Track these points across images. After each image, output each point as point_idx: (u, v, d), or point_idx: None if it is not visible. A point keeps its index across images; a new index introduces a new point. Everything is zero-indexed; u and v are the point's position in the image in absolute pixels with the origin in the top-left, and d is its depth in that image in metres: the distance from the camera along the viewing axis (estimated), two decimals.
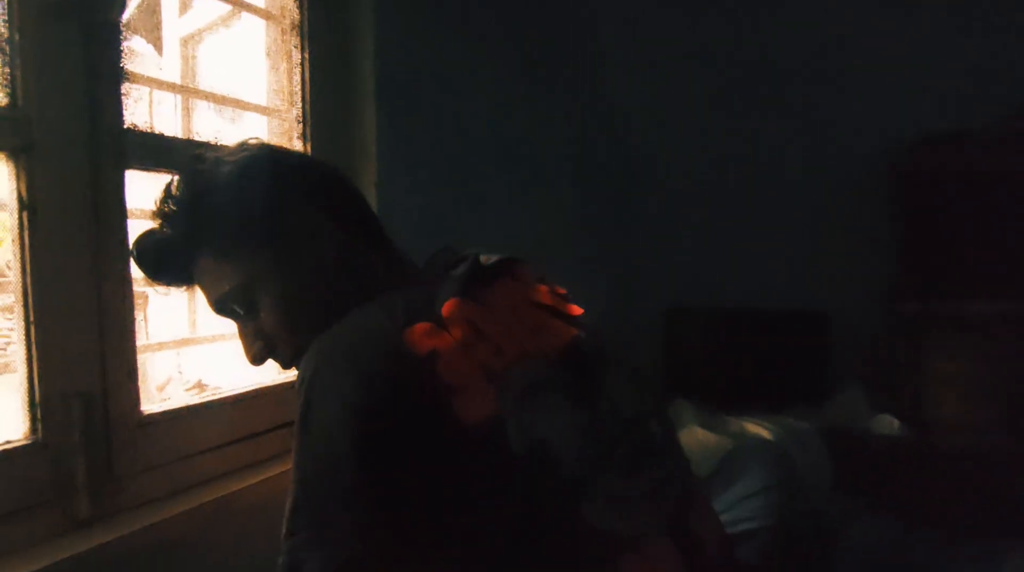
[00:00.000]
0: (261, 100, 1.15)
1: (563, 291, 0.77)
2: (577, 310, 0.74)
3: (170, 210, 0.72)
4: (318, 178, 0.77)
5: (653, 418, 0.69)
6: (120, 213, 0.84)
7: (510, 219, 1.67)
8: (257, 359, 0.74)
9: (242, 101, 1.08)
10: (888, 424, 1.93)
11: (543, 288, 0.74)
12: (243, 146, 0.76)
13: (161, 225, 0.73)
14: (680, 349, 2.28)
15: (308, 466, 0.57)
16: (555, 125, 1.99)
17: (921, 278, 2.02)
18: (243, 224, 0.70)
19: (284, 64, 1.15)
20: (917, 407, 1.95)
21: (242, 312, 0.73)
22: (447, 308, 0.63)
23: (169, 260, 0.73)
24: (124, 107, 0.85)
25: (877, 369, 2.06)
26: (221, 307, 0.74)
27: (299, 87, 1.15)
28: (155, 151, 0.90)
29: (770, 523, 1.23)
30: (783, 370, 2.13)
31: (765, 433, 1.63)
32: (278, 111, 1.15)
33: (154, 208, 0.74)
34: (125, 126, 0.85)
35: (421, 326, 0.60)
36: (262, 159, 0.74)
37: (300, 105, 1.16)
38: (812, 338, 2.16)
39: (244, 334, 0.74)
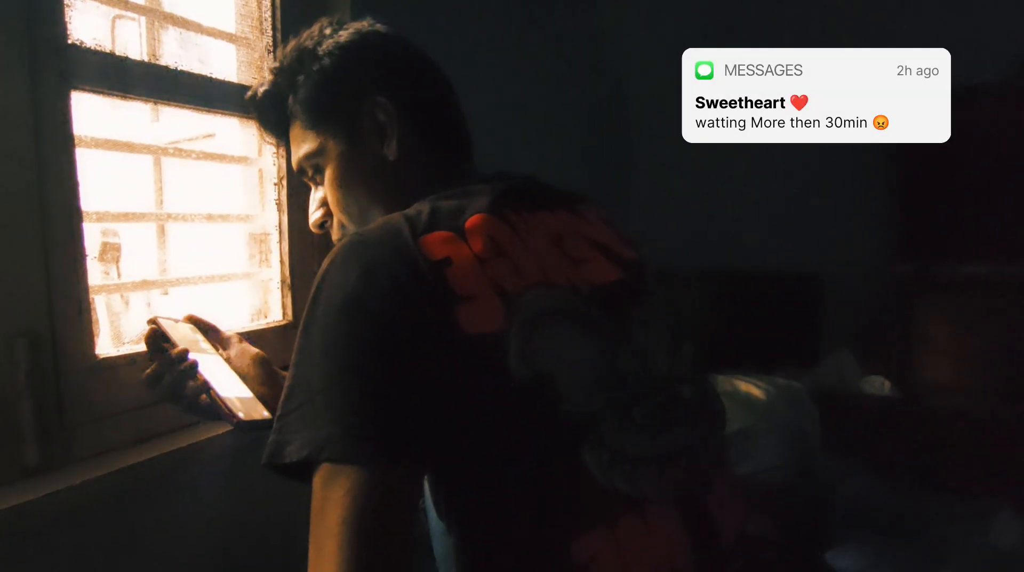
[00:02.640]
0: (229, 27, 1.06)
1: (629, 236, 0.75)
2: (632, 254, 0.71)
3: (276, 67, 0.76)
4: (411, 78, 0.75)
5: (687, 384, 0.66)
6: (66, 136, 0.77)
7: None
8: (315, 226, 0.79)
9: (206, 27, 1.00)
10: (879, 385, 1.91)
11: (603, 228, 0.72)
12: (359, 27, 0.76)
13: (272, 78, 0.77)
14: (672, 310, 2.23)
15: (304, 350, 0.56)
16: (549, 81, 1.91)
17: (915, 240, 1.98)
18: (325, 101, 0.73)
19: None
20: (907, 369, 1.93)
21: (311, 177, 0.78)
22: (471, 221, 0.61)
23: (268, 111, 0.78)
24: (68, 20, 0.77)
25: (868, 331, 2.04)
26: (298, 169, 0.78)
27: (269, 13, 1.07)
28: (107, 72, 0.82)
29: (779, 499, 1.21)
30: (774, 331, 2.10)
31: (756, 392, 1.60)
32: (246, 39, 1.06)
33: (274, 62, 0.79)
34: (70, 41, 0.77)
35: (440, 234, 0.59)
36: (362, 45, 0.74)
37: (271, 33, 1.07)
38: (804, 299, 2.13)
39: (312, 198, 0.79)
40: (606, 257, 0.68)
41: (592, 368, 0.59)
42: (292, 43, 0.76)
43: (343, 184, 0.73)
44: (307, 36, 0.76)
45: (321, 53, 0.73)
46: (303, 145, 0.75)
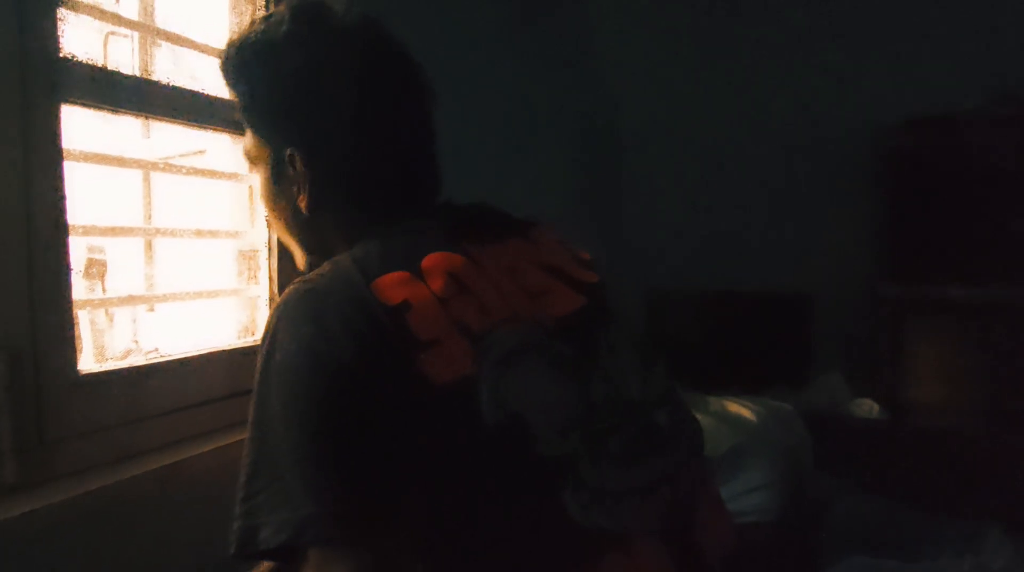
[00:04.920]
0: (222, 44, 1.07)
1: (586, 257, 0.72)
2: (592, 277, 0.68)
3: (222, 61, 0.71)
4: (328, 131, 0.66)
5: (662, 409, 0.64)
6: (54, 150, 0.76)
7: (488, 195, 1.60)
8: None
9: (199, 43, 1.00)
10: (868, 408, 1.91)
11: (559, 252, 0.69)
12: (281, 56, 0.65)
13: (220, 69, 0.73)
14: (661, 332, 2.24)
15: (263, 421, 0.52)
16: (541, 104, 1.93)
17: (902, 262, 2.01)
18: (251, 128, 0.70)
19: (247, 5, 1.07)
20: (896, 391, 1.94)
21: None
22: (428, 260, 0.57)
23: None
24: (60, 34, 0.77)
25: (857, 353, 2.05)
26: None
27: None
28: (98, 85, 0.82)
29: (771, 518, 1.20)
30: (764, 353, 2.11)
31: (747, 413, 1.60)
32: None
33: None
34: (61, 55, 0.77)
35: (394, 275, 0.55)
36: (280, 86, 0.66)
37: None
38: (793, 321, 2.14)
39: None
40: (565, 284, 0.65)
41: (565, 405, 0.56)
42: (237, 36, 0.69)
43: (266, 207, 0.72)
44: (238, 39, 0.68)
45: (242, 83, 0.68)
46: (244, 140, 0.71)
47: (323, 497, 0.48)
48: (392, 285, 0.54)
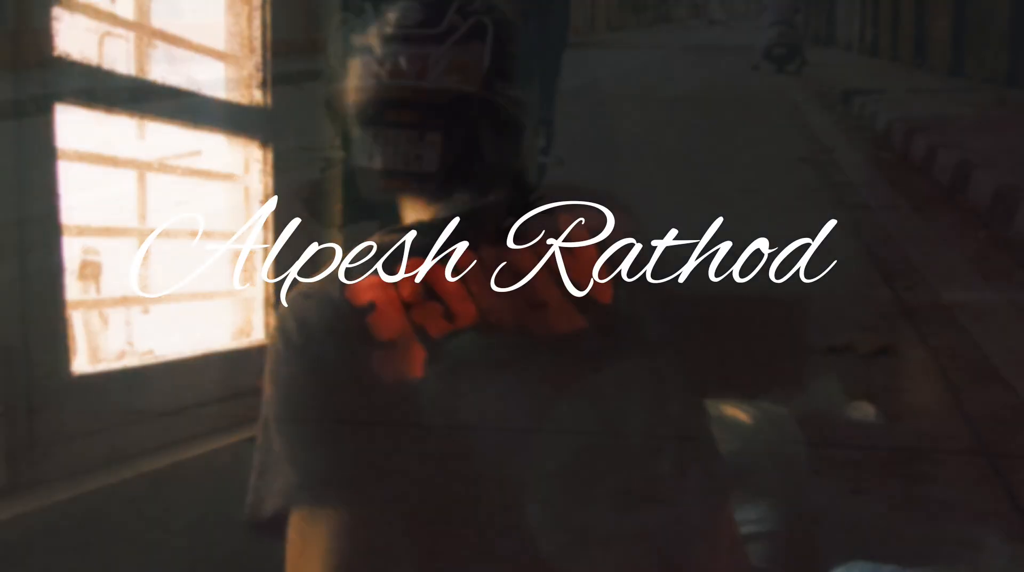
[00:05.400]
0: (218, 45, 1.06)
1: (615, 262, 0.64)
2: (605, 297, 0.62)
3: None
4: None
5: (664, 453, 0.59)
6: (48, 149, 0.76)
7: None
8: None
9: (195, 43, 1.00)
10: (864, 411, 1.91)
11: (587, 256, 0.63)
12: None
13: None
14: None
15: (264, 400, 0.57)
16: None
17: (900, 265, 2.02)
18: None
19: (243, 7, 1.07)
20: (893, 394, 1.95)
21: None
22: (408, 265, 0.58)
23: None
24: (55, 33, 0.76)
25: (854, 356, 2.06)
26: None
27: (259, 32, 1.07)
28: (92, 84, 0.82)
29: (774, 528, 1.19)
30: (759, 355, 2.11)
31: (742, 416, 1.60)
32: (235, 58, 1.06)
33: None
34: (55, 54, 0.77)
35: (370, 280, 0.58)
36: None
37: (260, 52, 1.07)
38: (790, 324, 2.14)
39: None
40: (570, 300, 0.60)
41: (520, 426, 0.55)
42: None
43: None
44: None
45: None
46: None
47: (305, 467, 0.52)
48: (364, 288, 0.57)
